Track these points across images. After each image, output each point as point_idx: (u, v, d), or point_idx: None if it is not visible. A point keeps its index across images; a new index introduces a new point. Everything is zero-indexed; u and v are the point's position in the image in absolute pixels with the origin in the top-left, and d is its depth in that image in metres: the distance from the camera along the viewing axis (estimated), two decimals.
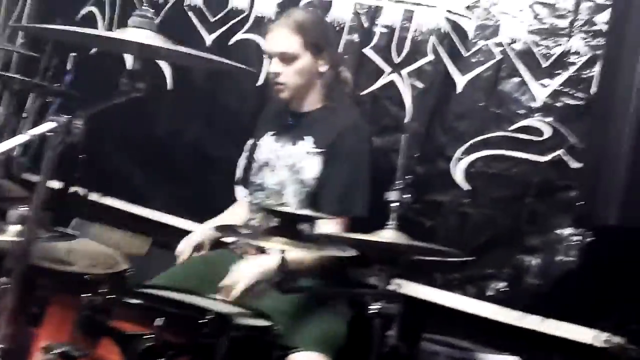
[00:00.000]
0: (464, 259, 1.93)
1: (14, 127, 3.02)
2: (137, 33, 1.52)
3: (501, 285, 2.38)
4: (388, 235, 1.75)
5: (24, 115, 3.17)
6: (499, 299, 2.36)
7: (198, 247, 2.33)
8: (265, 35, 2.36)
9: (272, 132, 2.37)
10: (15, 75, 2.91)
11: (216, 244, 2.39)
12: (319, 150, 2.23)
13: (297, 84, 2.26)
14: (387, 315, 1.73)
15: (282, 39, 2.25)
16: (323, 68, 2.30)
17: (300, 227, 1.55)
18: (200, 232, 2.38)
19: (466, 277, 2.42)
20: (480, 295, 2.39)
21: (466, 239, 2.44)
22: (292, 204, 2.23)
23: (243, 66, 1.80)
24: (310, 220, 1.61)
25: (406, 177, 1.86)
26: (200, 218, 2.77)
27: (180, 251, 2.32)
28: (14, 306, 1.43)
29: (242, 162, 2.50)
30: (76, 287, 1.73)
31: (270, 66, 2.28)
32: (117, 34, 1.49)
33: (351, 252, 1.56)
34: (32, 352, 1.51)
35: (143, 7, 1.55)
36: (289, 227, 1.55)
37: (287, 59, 2.24)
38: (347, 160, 2.19)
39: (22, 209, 1.63)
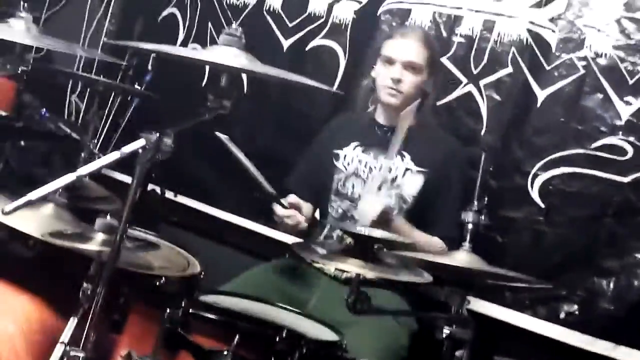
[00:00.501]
0: (539, 286, 1.89)
1: (96, 124, 3.12)
2: (226, 52, 1.54)
3: (574, 307, 2.33)
4: (462, 257, 1.72)
5: (106, 112, 3.28)
6: (570, 322, 2.31)
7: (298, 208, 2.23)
8: (391, 41, 2.35)
9: (357, 143, 2.37)
10: (96, 77, 2.99)
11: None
12: (421, 169, 2.27)
13: (411, 95, 2.29)
14: (458, 340, 1.71)
15: (414, 48, 2.29)
16: (430, 88, 2.34)
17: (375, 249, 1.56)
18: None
19: (538, 297, 2.37)
20: (551, 317, 2.34)
21: (539, 257, 2.40)
22: None
23: (327, 87, 1.79)
24: (386, 242, 1.61)
25: (484, 198, 1.84)
26: (269, 220, 2.83)
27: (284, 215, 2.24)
28: (97, 312, 1.48)
29: (306, 174, 2.50)
30: (152, 291, 1.81)
31: (392, 71, 2.28)
32: (207, 54, 1.52)
33: (427, 279, 1.56)
34: (112, 358, 1.57)
35: (233, 27, 1.57)
36: (364, 248, 1.55)
37: (412, 69, 2.28)
38: (458, 185, 2.26)
39: (109, 218, 1.70)
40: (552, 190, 2.40)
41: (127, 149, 1.44)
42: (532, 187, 2.43)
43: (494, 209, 2.42)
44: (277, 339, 1.49)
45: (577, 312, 2.32)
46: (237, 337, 1.43)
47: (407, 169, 2.29)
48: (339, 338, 1.78)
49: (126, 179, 2.98)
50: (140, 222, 2.58)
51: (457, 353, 1.75)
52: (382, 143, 2.31)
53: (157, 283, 1.94)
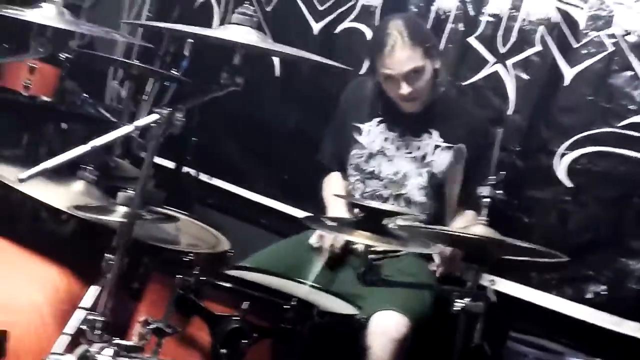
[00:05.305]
0: (559, 260, 1.87)
1: (132, 110, 3.23)
2: (238, 30, 1.58)
3: (601, 288, 2.30)
4: (478, 230, 1.73)
5: (144, 98, 3.37)
6: (597, 303, 2.29)
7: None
8: (382, 56, 2.22)
9: (380, 119, 2.37)
10: (132, 62, 3.09)
11: None
12: (449, 144, 2.27)
13: (427, 92, 2.28)
14: (472, 313, 1.72)
15: (409, 56, 2.20)
16: (438, 65, 2.31)
17: (384, 222, 1.58)
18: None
19: (564, 277, 2.36)
20: (578, 298, 2.33)
21: (566, 238, 2.38)
22: (415, 196, 2.28)
23: (331, 62, 1.80)
24: (394, 215, 1.63)
25: (500, 172, 1.84)
26: (301, 203, 2.88)
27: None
28: (114, 280, 1.55)
29: (334, 145, 2.51)
30: (178, 266, 1.87)
31: (403, 87, 2.22)
32: (216, 31, 1.57)
33: (434, 249, 1.58)
34: (131, 324, 1.64)
35: (244, 4, 1.61)
36: (373, 221, 1.58)
37: (415, 72, 2.22)
38: (485, 159, 2.16)
39: (130, 191, 1.77)
40: (579, 169, 2.38)
41: (140, 122, 1.50)
42: (559, 166, 2.41)
43: (520, 189, 2.44)
44: (287, 307, 1.53)
45: (604, 293, 2.29)
46: (247, 303, 1.47)
47: (436, 146, 2.30)
48: (356, 312, 1.81)
49: (161, 161, 3.12)
50: (176, 203, 2.67)
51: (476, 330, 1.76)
52: (409, 121, 2.32)
53: (186, 259, 2.03)
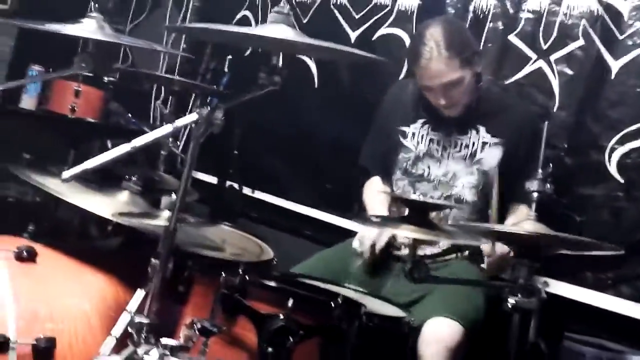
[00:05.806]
0: (613, 252, 1.80)
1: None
2: (273, 28, 1.58)
3: None
4: (528, 227, 1.68)
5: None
6: None
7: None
8: (419, 67, 2.20)
9: (424, 120, 2.34)
10: (174, 77, 3.14)
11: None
12: (497, 139, 2.24)
13: (467, 97, 2.24)
14: (525, 310, 1.66)
15: (446, 69, 2.15)
16: (479, 69, 2.28)
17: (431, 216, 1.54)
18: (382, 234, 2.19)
19: (620, 276, 2.26)
20: (636, 297, 2.22)
21: (621, 235, 2.28)
22: (465, 195, 2.23)
23: (367, 54, 1.77)
24: (441, 209, 1.59)
25: (547, 166, 1.79)
26: (344, 212, 2.85)
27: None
28: (161, 285, 1.55)
29: (375, 148, 2.49)
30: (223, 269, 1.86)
31: (439, 99, 2.20)
32: (251, 29, 1.57)
33: (485, 243, 1.53)
34: (177, 327, 1.63)
35: (280, 5, 1.62)
36: (419, 215, 1.54)
37: (453, 85, 2.18)
38: (536, 152, 2.04)
39: (174, 196, 1.78)
40: (631, 164, 2.29)
41: (180, 122, 1.50)
42: (609, 162, 2.33)
43: (570, 187, 2.36)
44: (334, 305, 1.50)
45: None
46: (291, 301, 1.45)
47: (484, 142, 2.26)
48: (405, 314, 1.77)
49: (204, 176, 3.14)
50: (220, 217, 2.67)
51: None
52: (454, 119, 2.29)
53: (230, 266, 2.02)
